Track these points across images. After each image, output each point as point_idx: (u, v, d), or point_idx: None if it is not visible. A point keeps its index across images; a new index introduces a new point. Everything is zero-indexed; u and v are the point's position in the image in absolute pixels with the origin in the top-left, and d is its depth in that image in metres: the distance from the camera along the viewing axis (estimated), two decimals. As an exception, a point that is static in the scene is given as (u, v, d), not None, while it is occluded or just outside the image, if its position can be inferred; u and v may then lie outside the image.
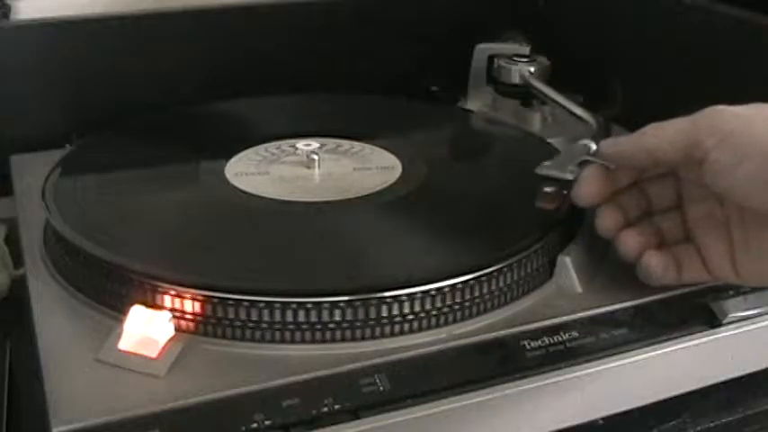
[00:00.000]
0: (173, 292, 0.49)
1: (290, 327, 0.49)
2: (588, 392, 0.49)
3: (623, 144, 0.52)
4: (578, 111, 0.72)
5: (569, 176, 0.55)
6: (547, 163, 0.56)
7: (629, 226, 0.53)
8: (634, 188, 0.54)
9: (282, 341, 0.49)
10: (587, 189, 0.54)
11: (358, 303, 0.49)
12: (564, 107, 0.73)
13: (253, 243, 0.55)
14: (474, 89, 0.81)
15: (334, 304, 0.49)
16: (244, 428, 0.43)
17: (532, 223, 0.55)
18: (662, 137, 0.50)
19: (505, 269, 0.52)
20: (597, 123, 0.69)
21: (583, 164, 0.55)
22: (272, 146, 0.68)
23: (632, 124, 0.76)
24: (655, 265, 0.52)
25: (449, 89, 0.82)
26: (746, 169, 0.46)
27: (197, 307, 0.49)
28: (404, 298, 0.49)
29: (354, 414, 0.44)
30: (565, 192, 0.55)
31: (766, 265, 0.50)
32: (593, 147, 0.58)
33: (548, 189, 0.55)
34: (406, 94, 0.81)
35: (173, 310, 0.49)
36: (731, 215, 0.51)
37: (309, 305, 0.49)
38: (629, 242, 0.53)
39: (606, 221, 0.53)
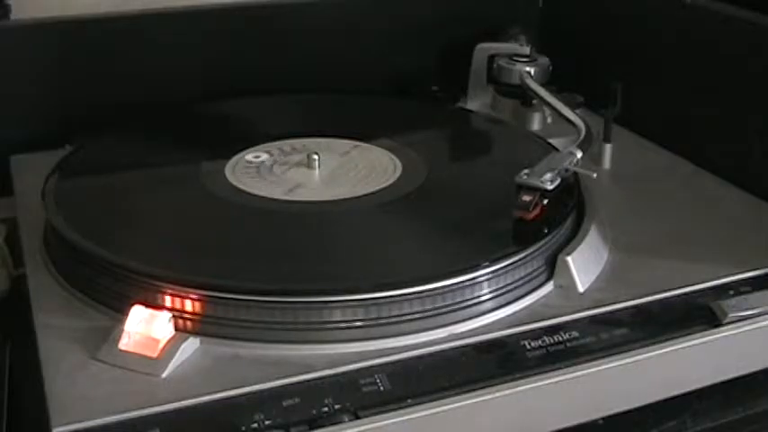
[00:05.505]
0: (173, 292, 0.49)
1: (290, 327, 0.49)
2: (588, 392, 0.49)
3: None
4: (569, 115, 0.71)
5: (548, 186, 0.55)
6: (526, 171, 0.56)
7: None
8: None
9: (282, 341, 0.49)
10: None
11: (358, 303, 0.49)
12: (555, 110, 0.73)
13: (253, 243, 0.55)
14: (474, 89, 0.81)
15: (335, 304, 0.49)
16: (244, 428, 0.43)
17: (532, 223, 0.55)
18: None
19: (506, 269, 0.52)
20: (587, 129, 0.69)
21: (564, 173, 0.55)
22: (272, 146, 0.68)
23: (632, 124, 0.76)
24: None
25: (449, 89, 0.82)
26: None
27: (197, 307, 0.49)
28: (404, 298, 0.49)
29: (354, 414, 0.44)
30: (545, 201, 0.55)
31: None
32: (579, 154, 0.58)
33: (525, 197, 0.55)
34: (406, 94, 0.81)
35: (173, 309, 0.49)
36: None
37: (310, 305, 0.49)
38: None
39: None
